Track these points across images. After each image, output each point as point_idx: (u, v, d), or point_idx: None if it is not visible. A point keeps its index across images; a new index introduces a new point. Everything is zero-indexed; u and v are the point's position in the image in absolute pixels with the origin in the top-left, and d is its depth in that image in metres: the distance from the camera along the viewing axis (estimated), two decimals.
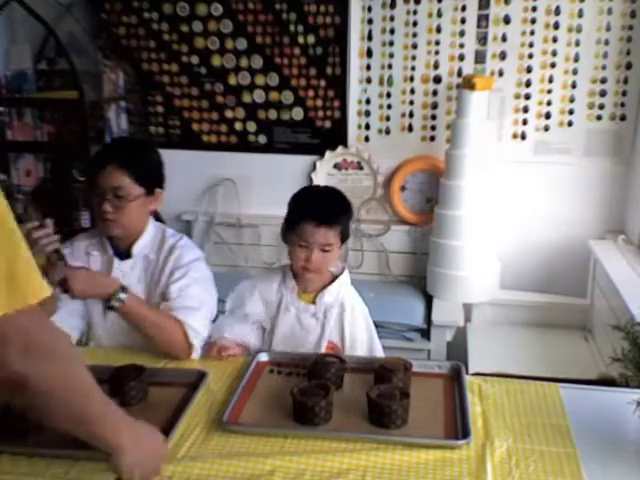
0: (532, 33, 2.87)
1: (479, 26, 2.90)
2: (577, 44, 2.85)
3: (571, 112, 2.92)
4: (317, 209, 1.67)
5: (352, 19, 2.97)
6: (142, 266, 1.77)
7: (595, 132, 2.92)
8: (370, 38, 2.99)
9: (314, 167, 3.13)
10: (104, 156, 1.75)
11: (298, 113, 3.12)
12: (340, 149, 3.10)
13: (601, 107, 2.90)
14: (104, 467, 1.14)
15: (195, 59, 3.15)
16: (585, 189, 2.96)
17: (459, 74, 2.95)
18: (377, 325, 1.78)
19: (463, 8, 2.89)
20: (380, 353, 1.77)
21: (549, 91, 2.92)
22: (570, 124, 2.93)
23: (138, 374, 1.39)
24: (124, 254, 1.78)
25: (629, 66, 2.84)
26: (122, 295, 1.58)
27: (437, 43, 2.94)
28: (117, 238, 1.76)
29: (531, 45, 2.88)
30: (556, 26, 2.84)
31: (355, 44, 3.00)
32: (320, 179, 3.13)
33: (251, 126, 3.18)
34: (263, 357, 1.57)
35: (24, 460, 1.17)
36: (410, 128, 3.06)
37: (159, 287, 1.74)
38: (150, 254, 1.77)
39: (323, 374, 1.40)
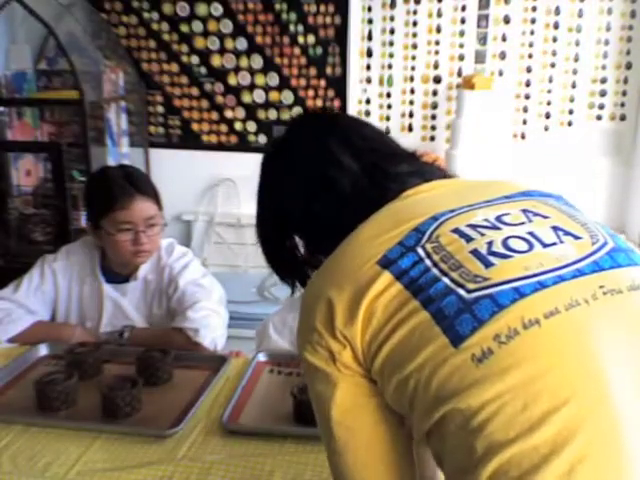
0: (532, 33, 2.87)
1: (479, 26, 2.90)
2: (577, 44, 2.85)
3: (571, 112, 2.92)
4: None
5: (352, 19, 2.97)
6: (142, 289, 1.76)
7: (595, 132, 2.92)
8: (370, 38, 2.99)
9: None
10: (120, 191, 1.65)
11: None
12: None
13: (601, 107, 2.90)
14: (106, 467, 1.14)
15: (195, 59, 3.15)
16: (585, 189, 2.96)
17: (459, 74, 2.95)
18: None
19: (463, 8, 2.89)
20: None
21: (549, 91, 2.92)
22: (570, 124, 2.94)
23: (164, 357, 1.46)
24: (119, 278, 1.77)
25: (629, 66, 2.84)
26: (126, 334, 1.67)
27: (437, 43, 2.95)
28: (122, 265, 1.76)
29: (531, 45, 2.88)
30: (556, 26, 2.85)
31: (355, 44, 3.00)
32: None
33: (251, 126, 3.18)
34: (263, 357, 1.57)
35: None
36: (410, 128, 3.06)
37: (162, 306, 1.75)
38: (149, 275, 1.77)
39: None
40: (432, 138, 3.06)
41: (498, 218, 0.75)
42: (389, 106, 3.06)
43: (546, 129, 2.96)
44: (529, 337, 0.63)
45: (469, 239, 0.72)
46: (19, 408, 1.33)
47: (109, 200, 1.65)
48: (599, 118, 2.91)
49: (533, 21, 2.86)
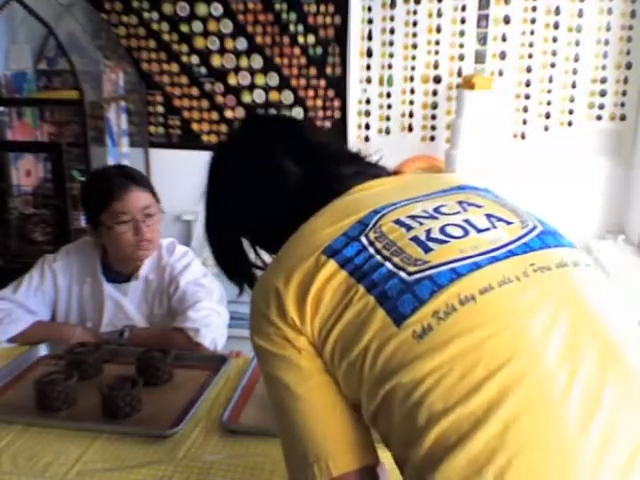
0: (532, 33, 2.87)
1: (479, 26, 2.90)
2: (577, 44, 2.85)
3: (571, 112, 2.92)
4: None
5: (352, 19, 2.97)
6: (143, 289, 1.76)
7: (595, 132, 2.92)
8: (370, 38, 2.99)
9: None
10: (115, 184, 1.67)
11: (298, 113, 3.12)
12: None
13: (601, 107, 2.90)
14: (106, 467, 1.14)
15: (195, 59, 3.15)
16: (585, 189, 2.96)
17: (459, 74, 2.95)
18: None
19: (463, 8, 2.89)
20: None
21: (549, 91, 2.92)
22: (570, 124, 2.93)
23: (164, 357, 1.46)
24: (120, 277, 1.77)
25: (629, 66, 2.84)
26: (126, 334, 1.67)
27: (437, 43, 2.95)
28: (125, 262, 1.76)
29: (531, 45, 2.88)
30: (556, 26, 2.85)
31: (355, 44, 3.00)
32: None
33: None
34: None
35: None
36: (410, 128, 3.06)
37: (163, 306, 1.75)
38: (150, 274, 1.77)
39: None
40: (432, 138, 3.06)
41: (436, 209, 0.80)
42: (389, 106, 3.06)
43: (546, 129, 2.96)
44: (465, 312, 0.68)
45: (409, 228, 0.77)
46: (19, 408, 1.33)
47: (105, 194, 1.67)
48: (599, 118, 2.91)
49: (533, 21, 2.85)
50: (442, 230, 0.76)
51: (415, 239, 0.75)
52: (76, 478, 1.12)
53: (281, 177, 0.91)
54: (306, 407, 0.77)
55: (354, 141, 3.10)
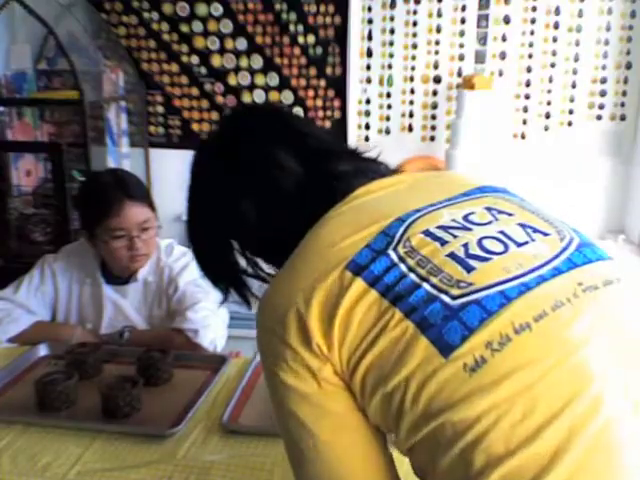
0: (532, 33, 2.87)
1: (479, 26, 2.90)
2: (577, 44, 2.85)
3: (571, 112, 2.92)
4: None
5: (352, 19, 2.97)
6: (142, 290, 1.76)
7: (595, 132, 2.92)
8: (370, 38, 2.99)
9: None
10: (111, 200, 1.64)
11: (298, 113, 3.12)
12: None
13: (601, 107, 2.90)
14: (105, 467, 1.14)
15: (195, 59, 3.15)
16: (585, 189, 2.96)
17: (459, 74, 2.95)
18: None
19: (463, 8, 2.89)
20: None
21: (549, 91, 2.92)
22: (570, 124, 2.93)
23: (164, 357, 1.46)
24: (120, 279, 1.76)
25: (629, 66, 2.84)
26: (126, 335, 1.67)
27: (437, 43, 2.94)
28: (120, 269, 1.75)
29: (531, 45, 2.88)
30: (556, 26, 2.85)
31: (355, 44, 3.00)
32: None
33: None
34: None
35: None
36: (410, 128, 3.06)
37: (162, 307, 1.75)
38: (149, 276, 1.77)
39: None
40: (432, 138, 3.06)
41: (465, 218, 0.74)
42: (389, 106, 3.06)
43: (546, 129, 2.96)
44: (521, 342, 0.62)
45: (443, 242, 0.70)
46: (19, 408, 1.33)
47: (101, 209, 1.64)
48: (599, 118, 2.91)
49: (533, 21, 2.85)
50: (480, 245, 0.69)
51: (453, 256, 0.68)
52: (76, 478, 1.12)
53: (280, 173, 0.84)
54: (330, 449, 0.71)
55: (354, 141, 3.10)
